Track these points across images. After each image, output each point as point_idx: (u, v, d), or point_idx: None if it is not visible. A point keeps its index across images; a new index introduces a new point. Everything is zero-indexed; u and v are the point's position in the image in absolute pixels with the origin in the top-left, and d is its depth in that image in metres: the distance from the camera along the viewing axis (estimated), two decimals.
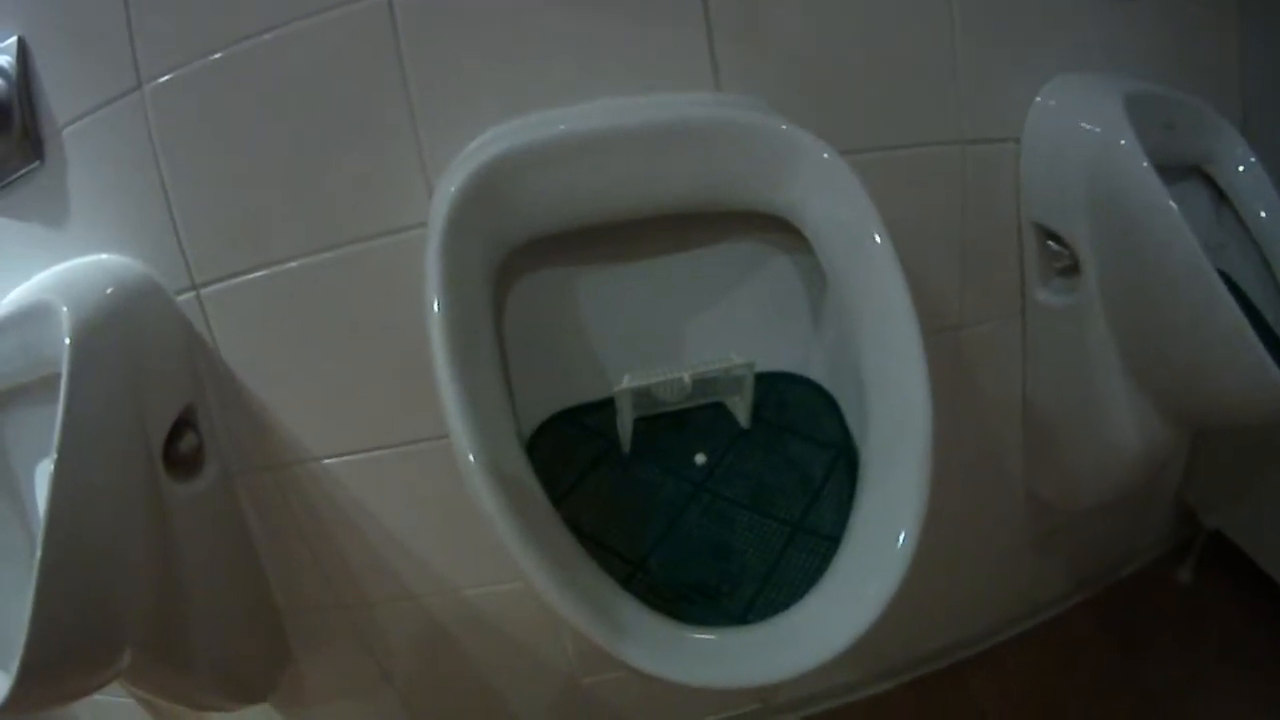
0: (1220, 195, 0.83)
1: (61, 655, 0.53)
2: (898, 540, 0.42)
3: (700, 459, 0.55)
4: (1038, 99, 0.75)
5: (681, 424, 0.57)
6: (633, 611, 0.45)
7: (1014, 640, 1.04)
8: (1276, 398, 0.65)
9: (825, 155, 0.52)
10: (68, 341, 0.56)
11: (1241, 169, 0.81)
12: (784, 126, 0.53)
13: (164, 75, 0.60)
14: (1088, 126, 0.70)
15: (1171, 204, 0.64)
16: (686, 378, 0.51)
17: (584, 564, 0.47)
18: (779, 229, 0.57)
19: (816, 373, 0.59)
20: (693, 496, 0.54)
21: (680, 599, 0.49)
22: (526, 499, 0.47)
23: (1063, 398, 0.82)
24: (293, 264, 0.64)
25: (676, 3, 0.59)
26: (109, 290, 0.62)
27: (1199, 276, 0.63)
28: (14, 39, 0.62)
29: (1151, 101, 0.74)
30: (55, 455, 0.52)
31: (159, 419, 0.63)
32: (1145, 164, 0.65)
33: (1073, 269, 0.74)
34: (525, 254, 0.55)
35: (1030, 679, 1.00)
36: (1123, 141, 0.67)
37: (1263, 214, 0.80)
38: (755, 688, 0.42)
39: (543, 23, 0.59)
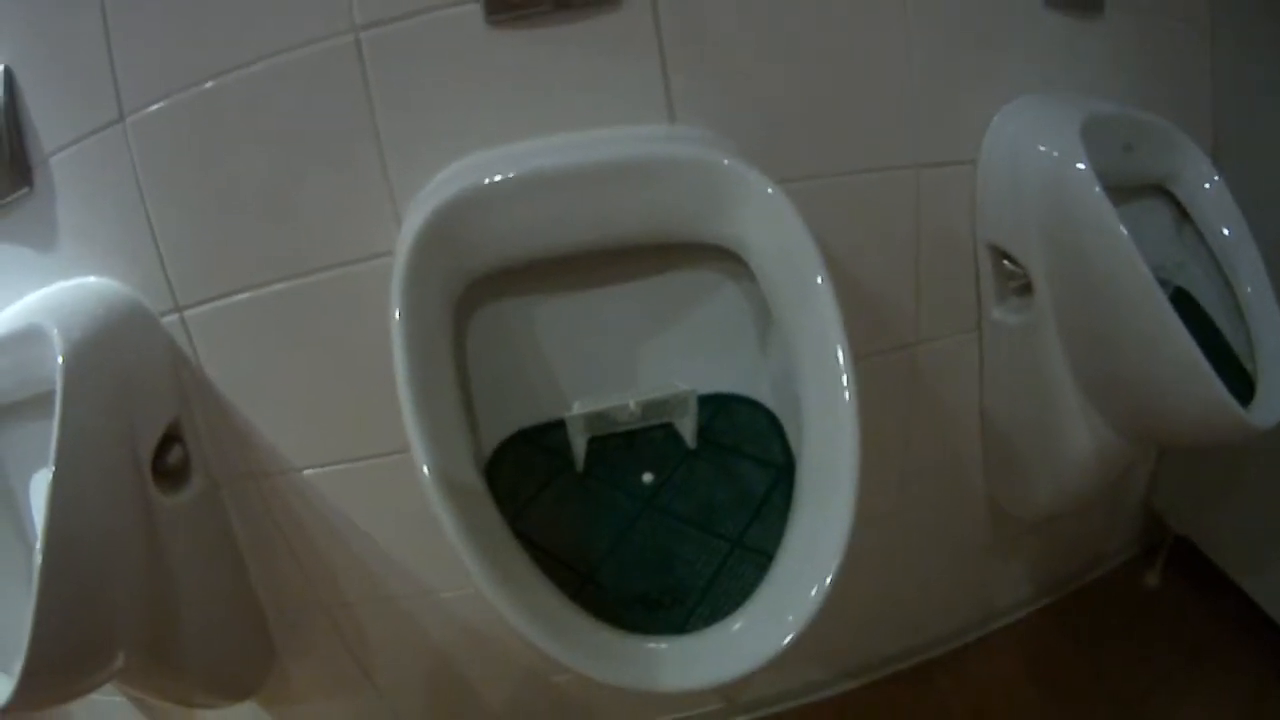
0: (1183, 213, 0.83)
1: (61, 657, 0.55)
2: (811, 590, 0.45)
3: (648, 477, 0.58)
4: (996, 120, 0.75)
5: (632, 444, 0.60)
6: (572, 616, 0.49)
7: (981, 642, 1.06)
8: (1229, 424, 0.65)
9: (769, 190, 0.54)
10: (60, 361, 0.58)
11: (1207, 186, 0.80)
12: (726, 162, 0.54)
13: (144, 109, 0.62)
14: (1044, 149, 0.70)
15: (1123, 230, 0.63)
16: (633, 404, 0.54)
17: (531, 572, 0.50)
18: (729, 259, 0.59)
19: (764, 394, 0.62)
20: (640, 513, 0.57)
21: (626, 609, 0.52)
22: (479, 511, 0.50)
23: (1019, 412, 0.83)
24: (271, 288, 0.67)
25: (630, 38, 0.61)
26: (98, 312, 0.64)
27: (1150, 304, 0.63)
28: (1, 69, 0.64)
29: (1112, 123, 0.74)
30: (52, 470, 0.54)
31: (147, 434, 0.66)
32: (1098, 190, 0.65)
33: (1027, 288, 0.75)
34: (486, 285, 0.58)
35: (997, 681, 1.01)
36: (1079, 166, 0.66)
37: (1225, 231, 0.80)
38: (678, 693, 0.46)
39: (503, 60, 0.60)
